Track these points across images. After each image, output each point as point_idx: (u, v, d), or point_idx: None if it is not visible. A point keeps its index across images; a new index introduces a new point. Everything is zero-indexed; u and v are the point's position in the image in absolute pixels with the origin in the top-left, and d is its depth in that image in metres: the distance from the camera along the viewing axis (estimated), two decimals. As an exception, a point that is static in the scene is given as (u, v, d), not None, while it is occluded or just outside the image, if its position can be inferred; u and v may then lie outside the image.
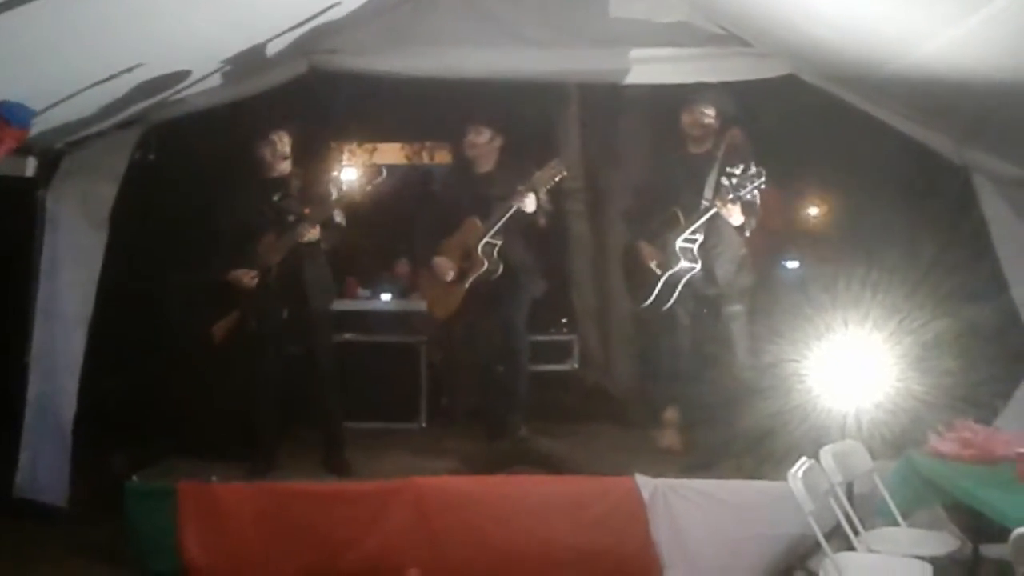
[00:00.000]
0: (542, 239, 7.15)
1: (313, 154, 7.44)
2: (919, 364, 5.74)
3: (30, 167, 6.49)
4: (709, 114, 6.66)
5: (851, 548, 5.06)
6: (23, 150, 6.15)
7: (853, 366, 5.53)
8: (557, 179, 6.78)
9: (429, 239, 7.14)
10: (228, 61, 6.22)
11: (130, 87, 5.76)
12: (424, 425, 7.94)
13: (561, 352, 8.34)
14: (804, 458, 5.04)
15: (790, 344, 5.90)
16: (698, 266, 6.57)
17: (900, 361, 5.61)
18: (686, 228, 6.54)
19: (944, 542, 5.17)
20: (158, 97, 6.29)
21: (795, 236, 8.22)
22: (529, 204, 6.67)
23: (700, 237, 6.57)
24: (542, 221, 6.84)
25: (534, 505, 6.10)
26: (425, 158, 10.16)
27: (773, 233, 7.24)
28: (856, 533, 5.13)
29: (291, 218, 6.56)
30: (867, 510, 5.45)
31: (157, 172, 7.11)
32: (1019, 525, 4.05)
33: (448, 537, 6.04)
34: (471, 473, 6.42)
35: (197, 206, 6.88)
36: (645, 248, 6.75)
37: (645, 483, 6.02)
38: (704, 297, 6.67)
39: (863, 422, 5.56)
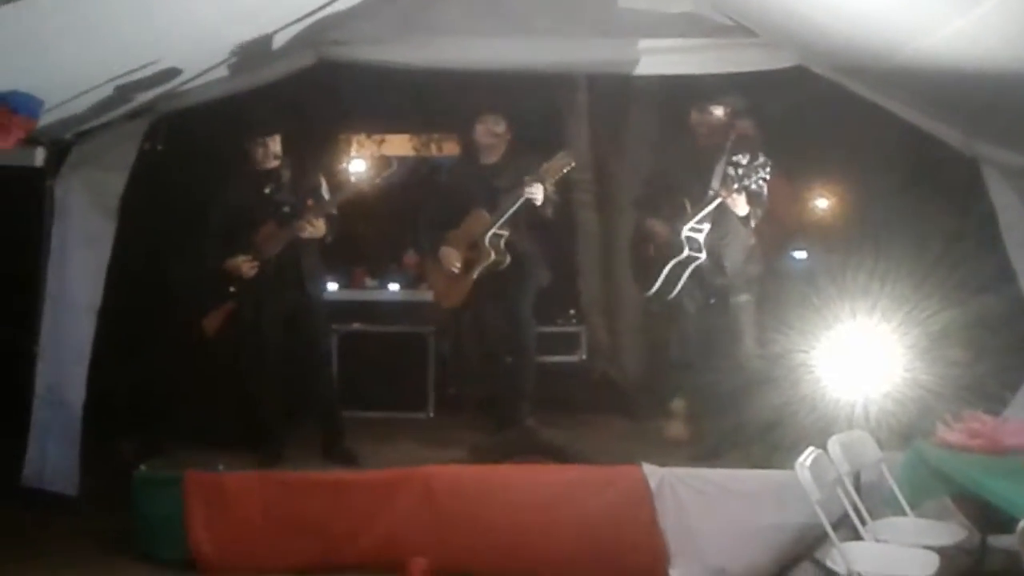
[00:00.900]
0: (549, 229, 7.15)
1: (308, 144, 7.45)
2: (927, 354, 5.74)
3: (39, 157, 6.49)
4: (717, 112, 6.65)
5: (858, 538, 5.06)
6: (32, 140, 6.14)
7: (861, 356, 5.52)
8: (566, 170, 6.79)
9: (435, 230, 7.14)
10: (236, 52, 6.23)
11: (139, 78, 5.76)
12: (432, 415, 7.96)
13: (569, 343, 8.35)
14: (812, 448, 5.05)
15: (798, 334, 5.89)
16: (703, 255, 6.56)
17: (908, 351, 5.60)
18: (692, 217, 6.53)
19: (952, 532, 5.18)
20: (166, 88, 6.30)
21: (803, 227, 8.20)
22: (537, 195, 6.67)
23: (707, 227, 6.56)
24: (549, 212, 6.84)
25: (541, 494, 6.11)
26: (433, 150, 10.14)
27: (781, 223, 7.22)
28: (863, 523, 5.13)
29: (286, 208, 6.60)
30: (875, 500, 5.44)
31: (166, 162, 7.12)
32: (1027, 514, 4.06)
33: (455, 526, 6.05)
34: (478, 462, 6.43)
35: (204, 195, 6.88)
36: (656, 225, 6.73)
37: (652, 472, 6.02)
38: (712, 287, 6.66)
39: (871, 412, 5.56)
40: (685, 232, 6.56)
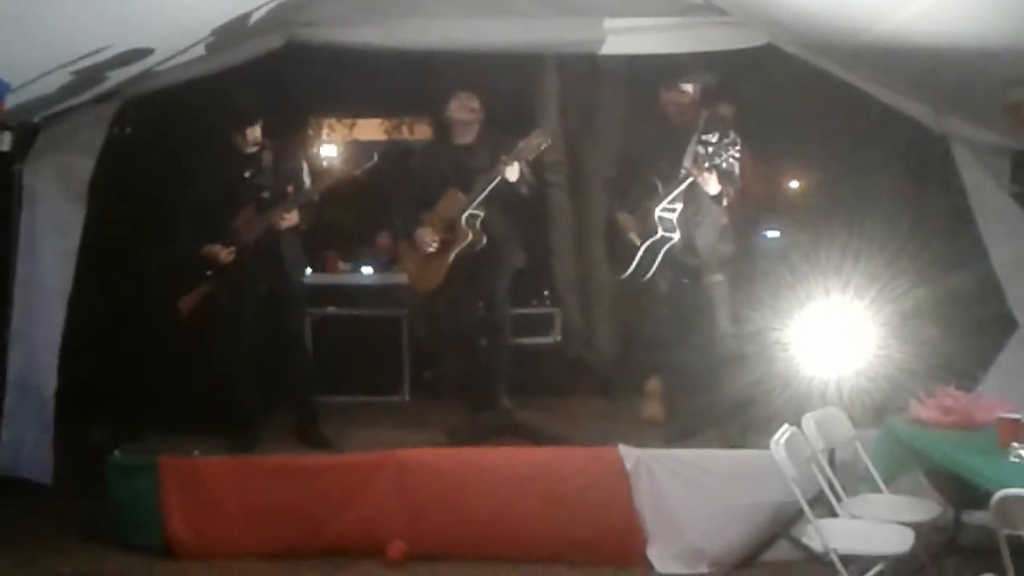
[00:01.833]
0: (523, 210, 7.14)
1: (287, 128, 7.40)
2: (900, 332, 5.78)
3: (6, 142, 6.42)
4: (687, 92, 6.63)
5: (834, 515, 5.10)
6: (-1, 124, 6.10)
7: (834, 334, 5.54)
8: (542, 147, 6.76)
9: (410, 210, 7.09)
10: (205, 34, 6.17)
11: (105, 61, 5.71)
12: (407, 398, 7.94)
13: (543, 324, 8.33)
14: (786, 426, 5.07)
15: (772, 312, 5.92)
16: (677, 235, 6.56)
17: (881, 329, 5.63)
18: (664, 197, 6.53)
19: (926, 508, 5.22)
20: (135, 71, 6.24)
21: (776, 206, 8.24)
22: (512, 174, 6.65)
23: (679, 206, 6.55)
24: (524, 191, 6.82)
25: (517, 476, 6.10)
26: (405, 133, 10.12)
27: (754, 203, 7.22)
28: (839, 500, 5.17)
29: (266, 194, 6.56)
30: (849, 477, 5.48)
31: (135, 145, 7.09)
32: (1001, 489, 4.08)
33: (431, 508, 6.06)
34: (454, 445, 6.43)
35: (175, 179, 6.83)
36: (624, 219, 6.74)
37: (628, 453, 6.03)
38: (685, 266, 6.65)
39: (844, 390, 5.59)
40: (658, 212, 6.55)
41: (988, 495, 4.14)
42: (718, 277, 6.67)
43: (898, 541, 4.74)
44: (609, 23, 6.68)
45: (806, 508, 4.90)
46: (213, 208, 6.57)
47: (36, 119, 6.51)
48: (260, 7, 6.05)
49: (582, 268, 8.42)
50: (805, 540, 4.94)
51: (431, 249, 6.88)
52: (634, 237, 6.63)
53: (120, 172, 6.98)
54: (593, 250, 8.02)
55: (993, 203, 6.35)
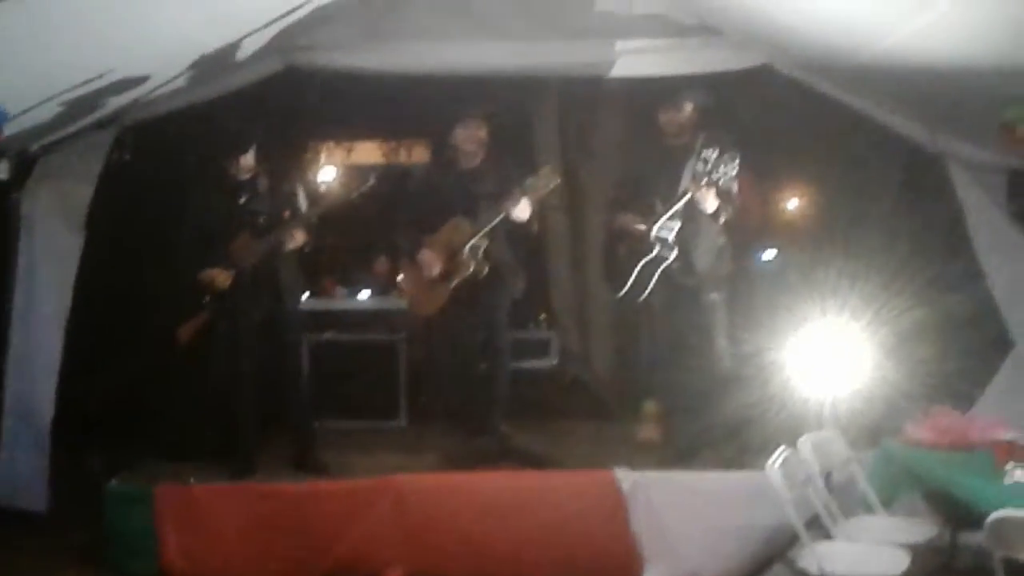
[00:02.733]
0: (526, 241, 7.12)
1: (282, 153, 7.42)
2: (896, 353, 5.78)
3: (3, 170, 6.41)
4: (685, 111, 6.65)
5: (830, 537, 5.08)
6: (-4, 153, 6.11)
7: (830, 355, 5.55)
8: (551, 187, 6.74)
9: (413, 234, 7.05)
10: (203, 60, 6.18)
11: (103, 88, 5.73)
12: (404, 423, 7.93)
13: (540, 348, 8.35)
14: (782, 447, 5.05)
15: (768, 333, 5.92)
16: (674, 254, 6.56)
17: (877, 350, 5.63)
18: (662, 215, 6.53)
19: (922, 530, 5.20)
20: (132, 97, 6.26)
21: (773, 226, 8.24)
22: (521, 212, 6.59)
23: (677, 225, 6.56)
24: (534, 227, 6.81)
25: (514, 501, 6.09)
26: (403, 156, 10.13)
27: (751, 223, 7.23)
28: (835, 522, 5.15)
29: (262, 219, 6.57)
30: (846, 499, 5.45)
31: (133, 173, 7.08)
32: (996, 510, 4.07)
33: (429, 534, 6.03)
34: (452, 470, 6.42)
35: (173, 206, 6.84)
36: (628, 220, 6.72)
37: (624, 476, 6.02)
38: (682, 286, 6.65)
39: (840, 411, 5.58)
40: (655, 231, 6.56)
41: (984, 516, 4.13)
42: (715, 296, 6.68)
43: (894, 563, 4.72)
44: (612, 46, 6.68)
45: (802, 531, 4.89)
46: (209, 234, 6.58)
47: (34, 147, 6.52)
48: (252, 32, 6.07)
49: (578, 291, 8.43)
50: (801, 563, 4.90)
51: (433, 273, 6.85)
52: (634, 246, 6.59)
53: (118, 199, 6.97)
54: (589, 273, 8.03)
55: (989, 222, 6.35)
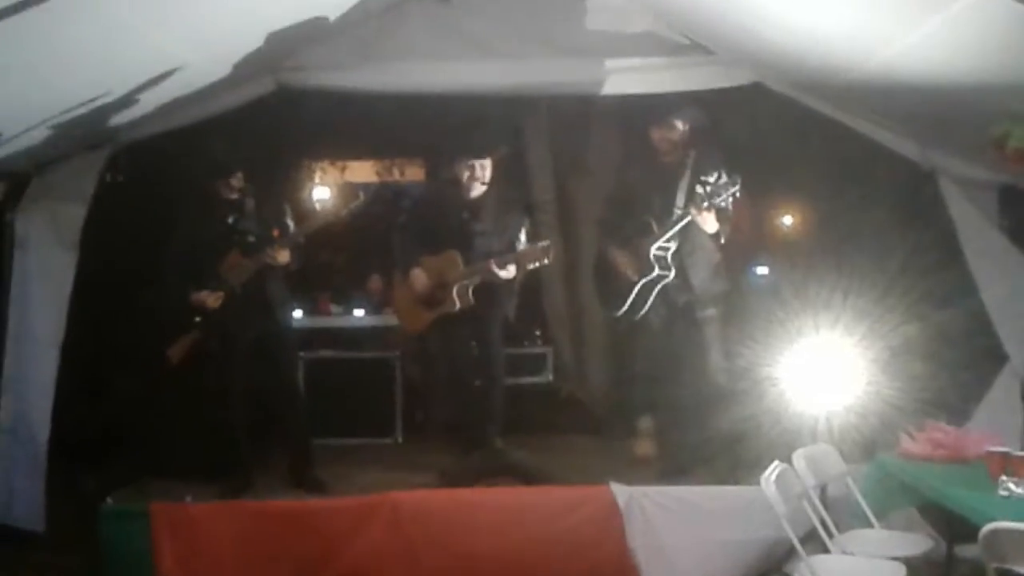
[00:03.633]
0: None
1: (272, 172, 7.43)
2: (889, 368, 5.80)
3: (-3, 191, 6.46)
4: (677, 128, 6.69)
5: (826, 551, 5.09)
6: (-10, 173, 6.12)
7: (824, 370, 5.57)
8: (541, 263, 6.76)
9: (410, 252, 7.09)
10: (195, 80, 6.21)
11: (96, 109, 5.74)
12: (400, 440, 7.95)
13: (535, 364, 8.36)
14: (777, 462, 5.07)
15: (762, 349, 5.94)
16: (672, 273, 6.59)
17: (870, 365, 5.65)
18: (660, 236, 6.56)
19: (918, 543, 5.21)
20: (125, 119, 6.27)
21: (766, 242, 8.26)
22: (509, 272, 6.69)
23: (674, 245, 6.59)
24: (516, 287, 6.87)
25: (510, 516, 6.10)
26: (396, 174, 10.14)
27: (745, 239, 7.26)
28: (831, 536, 5.16)
29: (251, 238, 6.60)
30: (841, 513, 5.47)
31: (126, 193, 7.09)
32: (990, 522, 4.09)
33: (426, 550, 6.04)
34: (448, 486, 6.42)
35: (167, 225, 6.85)
36: (618, 255, 6.76)
37: (620, 491, 6.03)
38: (678, 303, 6.68)
39: (835, 426, 5.61)
40: (653, 251, 6.59)
41: (979, 528, 4.15)
42: (710, 311, 6.72)
43: (890, 576, 4.74)
44: (603, 64, 6.70)
45: (797, 545, 4.90)
46: (199, 255, 6.60)
47: (27, 168, 6.53)
48: (245, 54, 6.10)
49: (574, 307, 8.45)
50: (797, 577, 4.93)
51: (419, 289, 6.91)
52: (631, 274, 6.64)
53: (112, 219, 6.98)
54: (584, 289, 8.04)
55: (981, 237, 6.35)
